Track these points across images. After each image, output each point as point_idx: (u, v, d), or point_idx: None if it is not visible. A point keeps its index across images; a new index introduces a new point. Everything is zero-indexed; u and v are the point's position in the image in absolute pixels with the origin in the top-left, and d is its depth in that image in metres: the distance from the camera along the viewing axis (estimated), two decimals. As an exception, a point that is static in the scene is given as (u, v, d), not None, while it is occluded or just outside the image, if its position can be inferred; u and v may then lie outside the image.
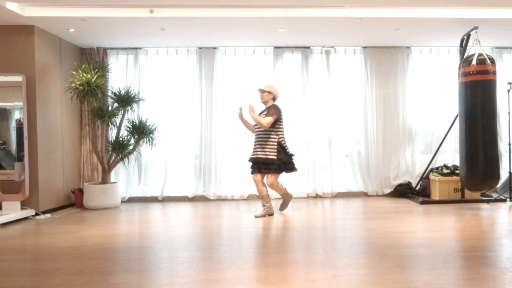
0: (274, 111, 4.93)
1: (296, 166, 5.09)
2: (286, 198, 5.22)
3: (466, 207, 5.44)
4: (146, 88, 6.52)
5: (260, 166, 4.95)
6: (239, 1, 4.74)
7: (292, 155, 5.03)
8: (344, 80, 6.68)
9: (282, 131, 5.00)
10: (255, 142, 5.05)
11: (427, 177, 6.26)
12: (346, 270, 2.91)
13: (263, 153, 4.92)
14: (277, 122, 4.94)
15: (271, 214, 5.07)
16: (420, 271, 2.87)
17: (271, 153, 4.88)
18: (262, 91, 5.07)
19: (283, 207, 5.28)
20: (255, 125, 5.08)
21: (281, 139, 4.94)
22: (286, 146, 4.98)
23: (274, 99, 5.09)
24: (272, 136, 4.92)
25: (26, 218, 5.11)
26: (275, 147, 4.89)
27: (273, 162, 4.87)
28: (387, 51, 6.66)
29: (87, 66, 5.76)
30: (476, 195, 5.93)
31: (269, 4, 4.85)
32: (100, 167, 6.33)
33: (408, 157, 6.68)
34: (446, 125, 6.48)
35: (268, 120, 4.86)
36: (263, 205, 5.02)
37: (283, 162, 4.91)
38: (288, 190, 5.48)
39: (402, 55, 6.67)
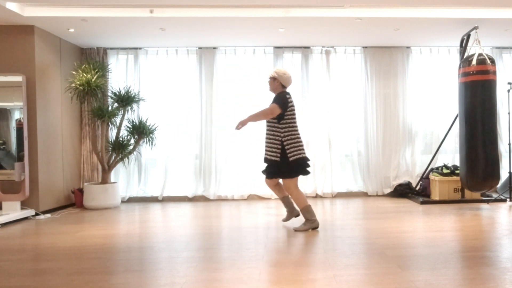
0: (277, 99, 4.12)
1: (308, 168, 4.23)
2: (305, 216, 4.26)
3: (466, 207, 5.44)
4: (146, 88, 6.52)
5: (267, 168, 4.27)
6: (239, 1, 4.73)
7: (298, 157, 4.12)
8: (344, 80, 6.68)
9: (289, 128, 4.13)
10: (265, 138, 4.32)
11: (427, 177, 6.26)
12: (346, 270, 2.91)
13: (268, 153, 4.20)
14: (283, 115, 4.10)
15: (315, 228, 4.25)
16: (420, 271, 2.87)
17: (275, 155, 4.13)
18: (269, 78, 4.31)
19: (301, 227, 4.27)
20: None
21: (286, 138, 4.10)
22: (293, 146, 4.10)
23: (282, 86, 4.24)
24: (276, 134, 4.14)
25: (26, 218, 5.11)
26: (279, 147, 4.10)
27: (277, 164, 4.14)
28: (387, 51, 6.66)
29: (87, 66, 5.76)
30: (476, 195, 5.93)
31: (269, 4, 4.85)
32: (100, 167, 6.33)
33: (408, 157, 6.68)
34: (446, 125, 6.48)
35: (268, 108, 4.07)
36: (306, 218, 4.24)
37: (289, 165, 4.10)
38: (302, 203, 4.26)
39: (402, 55, 6.67)
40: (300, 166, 4.16)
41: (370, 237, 3.90)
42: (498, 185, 5.97)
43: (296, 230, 4.23)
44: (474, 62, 5.03)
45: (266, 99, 6.48)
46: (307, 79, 6.59)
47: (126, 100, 5.95)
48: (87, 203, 5.81)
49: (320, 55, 6.63)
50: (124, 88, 6.07)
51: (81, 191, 5.99)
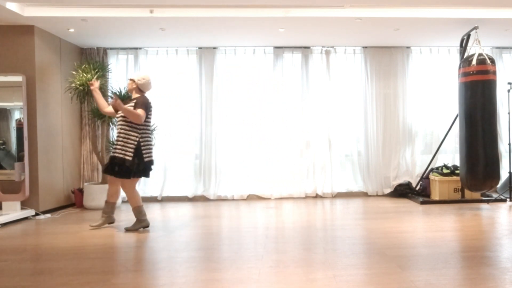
0: (142, 104, 4.20)
1: (149, 172, 4.36)
2: (137, 216, 4.44)
3: (466, 207, 5.44)
4: (146, 88, 6.51)
5: (114, 167, 4.21)
6: (239, 1, 4.73)
7: (149, 160, 4.28)
8: (344, 80, 6.68)
9: (147, 130, 4.29)
10: (116, 136, 4.34)
11: (427, 177, 6.26)
12: (346, 270, 2.91)
13: (120, 151, 4.18)
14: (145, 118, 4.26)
15: (111, 222, 4.52)
16: (420, 271, 2.87)
17: (129, 154, 4.16)
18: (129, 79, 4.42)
19: (132, 227, 4.42)
20: (118, 115, 4.35)
21: (143, 140, 4.23)
22: (148, 148, 4.28)
23: (140, 90, 4.35)
24: (133, 133, 4.20)
25: (26, 218, 5.11)
26: (134, 147, 4.16)
27: (129, 163, 4.16)
28: (387, 51, 6.66)
29: (87, 66, 5.76)
30: (476, 195, 5.93)
31: (269, 4, 4.85)
32: (100, 167, 6.33)
33: (408, 157, 6.68)
34: (446, 125, 6.48)
35: (137, 113, 4.11)
36: (103, 213, 4.47)
37: (137, 166, 4.18)
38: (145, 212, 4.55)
39: (402, 55, 6.67)
40: (149, 168, 4.34)
41: (370, 237, 3.90)
42: (498, 185, 5.96)
43: (128, 229, 4.39)
44: (474, 62, 5.03)
45: (265, 99, 6.49)
46: (307, 79, 6.59)
47: (126, 100, 5.94)
48: (87, 203, 5.81)
49: (320, 55, 6.63)
50: (124, 88, 6.07)
51: (81, 191, 5.99)
